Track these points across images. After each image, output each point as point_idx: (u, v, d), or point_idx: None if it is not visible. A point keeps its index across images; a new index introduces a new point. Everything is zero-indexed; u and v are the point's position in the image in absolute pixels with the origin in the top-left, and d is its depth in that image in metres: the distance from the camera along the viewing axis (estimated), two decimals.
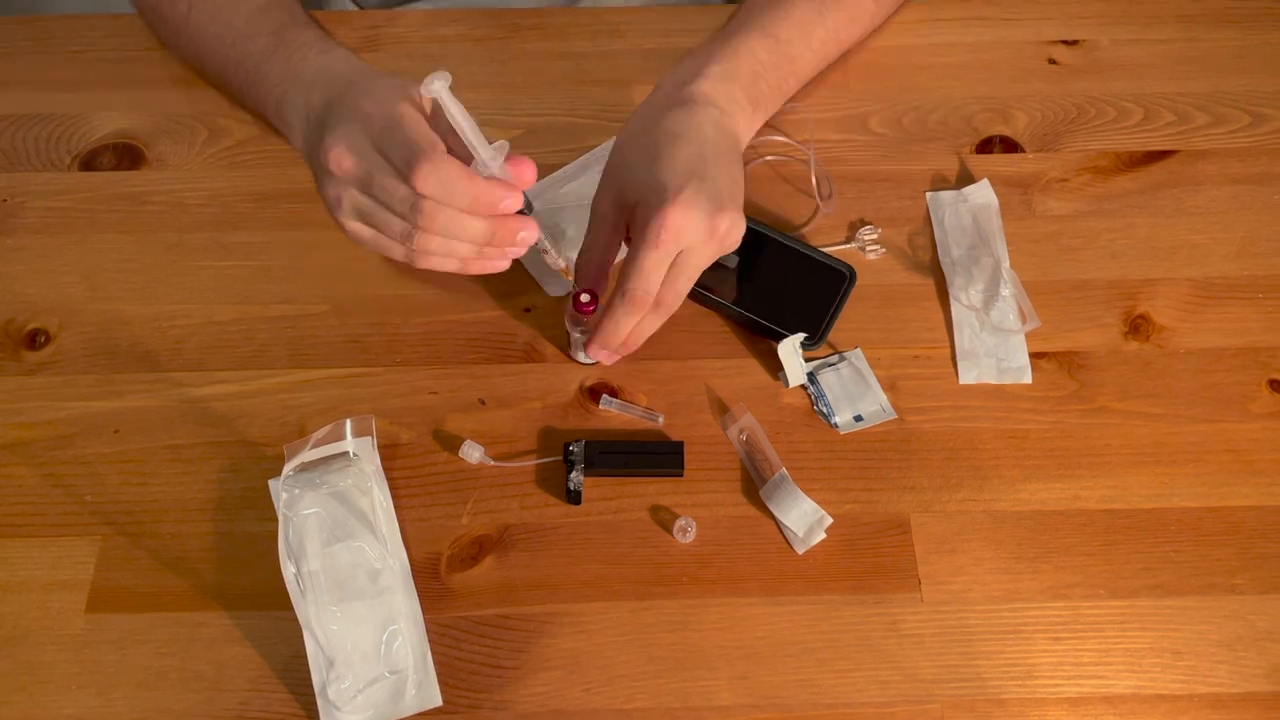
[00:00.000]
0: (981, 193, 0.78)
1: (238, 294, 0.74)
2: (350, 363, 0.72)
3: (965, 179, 0.79)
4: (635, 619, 0.64)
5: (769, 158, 0.80)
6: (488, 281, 0.75)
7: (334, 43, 0.72)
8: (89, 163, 0.80)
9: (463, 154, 0.58)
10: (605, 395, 0.70)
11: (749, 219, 0.75)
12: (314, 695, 0.60)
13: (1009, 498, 0.67)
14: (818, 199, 0.78)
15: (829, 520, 0.65)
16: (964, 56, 0.85)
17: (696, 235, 0.62)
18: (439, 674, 0.62)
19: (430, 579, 0.65)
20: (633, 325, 0.65)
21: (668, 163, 0.63)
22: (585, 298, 0.65)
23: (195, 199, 0.78)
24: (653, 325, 0.67)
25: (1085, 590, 0.65)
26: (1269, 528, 0.66)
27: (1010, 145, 0.81)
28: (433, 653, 0.62)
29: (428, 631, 0.63)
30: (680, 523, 0.66)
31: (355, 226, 0.62)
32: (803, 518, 0.65)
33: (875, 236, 0.76)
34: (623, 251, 0.68)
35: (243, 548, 0.65)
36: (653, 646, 0.63)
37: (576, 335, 0.69)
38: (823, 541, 0.65)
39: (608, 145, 0.80)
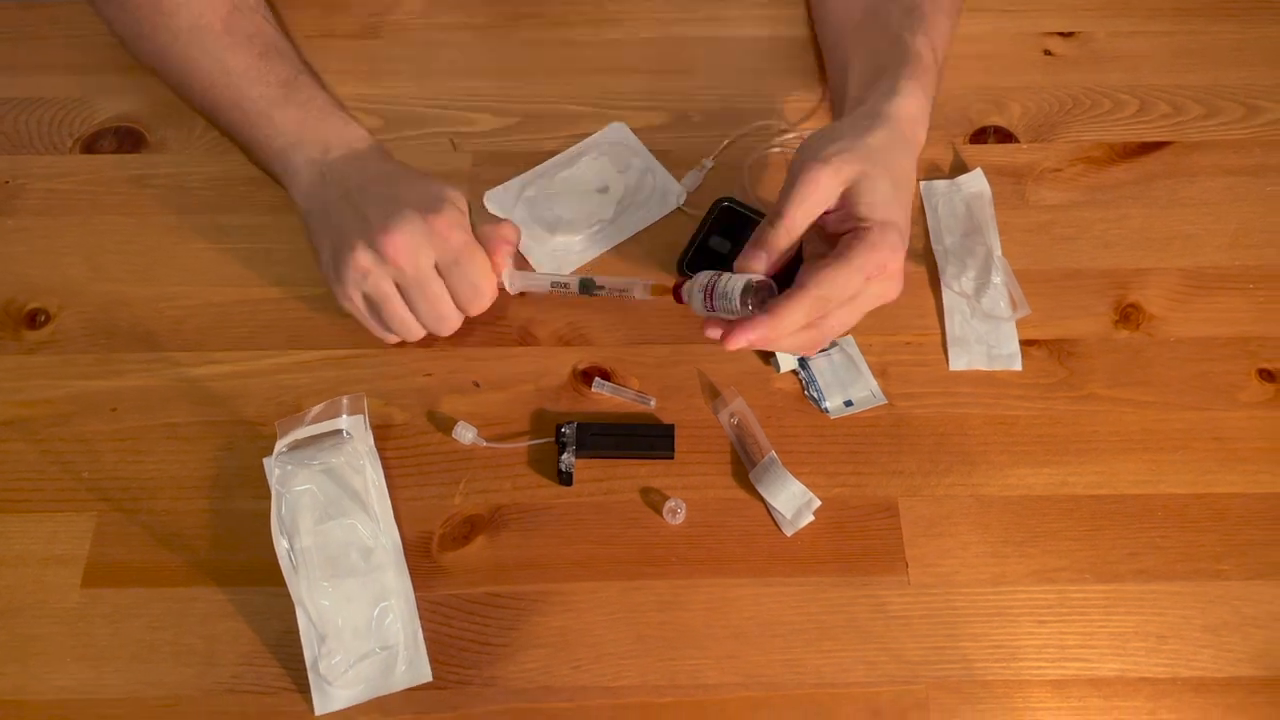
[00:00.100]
0: (975, 181, 0.78)
1: (236, 276, 0.75)
2: (346, 344, 0.73)
3: (959, 168, 0.80)
4: (624, 598, 0.64)
5: (771, 148, 0.81)
6: None
7: (350, 115, 0.73)
8: (90, 146, 0.81)
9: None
10: (597, 378, 0.71)
11: (738, 204, 0.76)
12: (305, 670, 0.61)
13: (997, 483, 0.68)
14: None
15: (817, 503, 0.66)
16: (960, 47, 0.85)
17: (888, 292, 0.62)
18: (429, 650, 0.63)
19: (422, 557, 0.65)
20: (793, 331, 0.61)
21: (903, 209, 0.63)
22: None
23: (195, 182, 0.79)
24: (787, 345, 0.63)
25: (1071, 574, 0.65)
26: (1255, 514, 0.67)
27: (1005, 135, 0.82)
28: (423, 629, 0.63)
29: (419, 608, 0.64)
30: (670, 504, 0.66)
31: (358, 300, 0.67)
32: (791, 500, 0.66)
33: None
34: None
35: (237, 524, 0.66)
36: (641, 625, 0.64)
37: (715, 310, 0.64)
38: (811, 524, 0.66)
39: (603, 133, 0.81)
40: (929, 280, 0.75)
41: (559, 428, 0.68)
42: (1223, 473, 0.68)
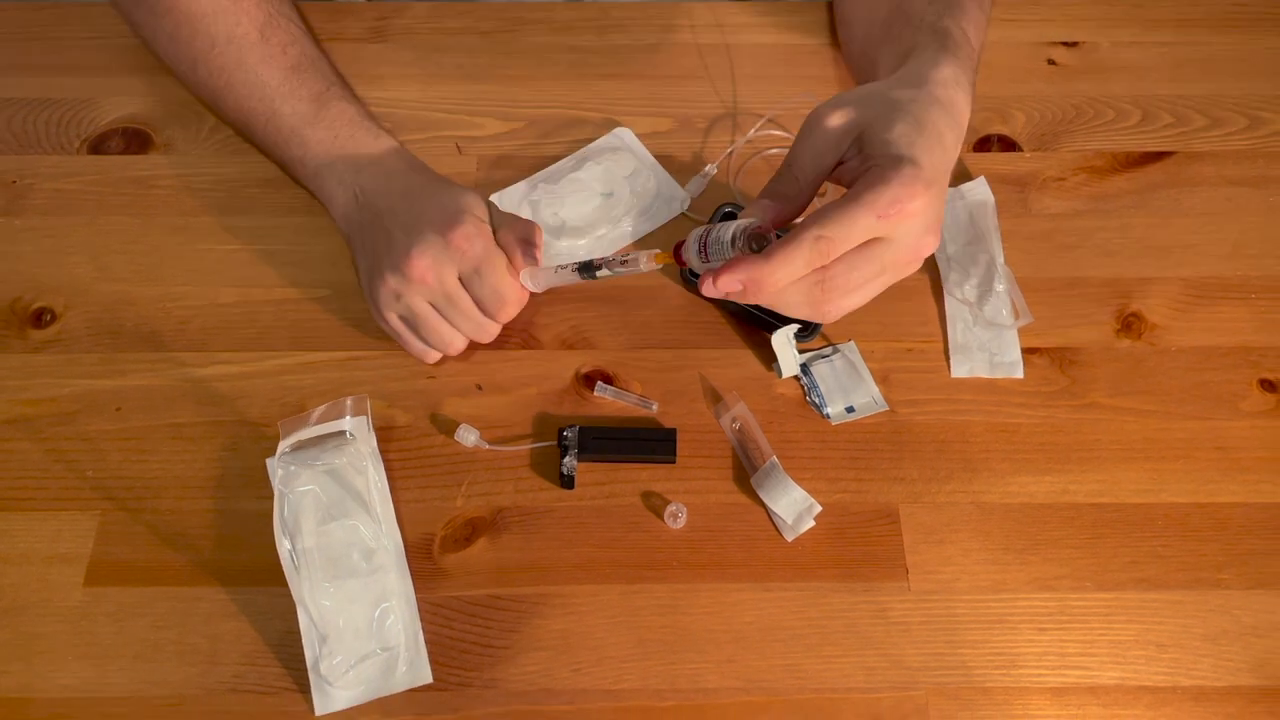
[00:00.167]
0: (978, 190, 0.79)
1: (242, 277, 0.75)
2: (350, 346, 0.73)
3: (962, 177, 0.80)
4: (625, 602, 0.65)
5: (771, 150, 0.81)
6: None
7: (379, 126, 0.74)
8: (98, 146, 0.81)
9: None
10: (600, 382, 0.71)
11: (742, 209, 0.76)
12: (306, 670, 0.61)
13: (998, 490, 0.68)
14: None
15: (818, 508, 0.66)
16: None
17: (910, 233, 0.55)
18: (430, 652, 0.63)
19: (423, 559, 0.66)
20: (792, 277, 0.55)
21: (929, 150, 0.55)
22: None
23: (201, 183, 0.79)
24: (791, 296, 0.57)
25: (1072, 582, 0.65)
26: (1256, 524, 0.67)
27: (1008, 144, 0.82)
28: (424, 631, 0.63)
29: (420, 610, 0.64)
30: (671, 509, 0.67)
31: (395, 321, 0.69)
32: (792, 505, 0.66)
33: None
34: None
35: (240, 525, 0.66)
36: (642, 629, 0.64)
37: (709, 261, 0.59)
38: (812, 530, 0.66)
39: (607, 138, 0.81)
40: (931, 288, 0.75)
41: (561, 431, 0.68)
42: (1224, 482, 0.68)
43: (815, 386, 0.71)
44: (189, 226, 0.78)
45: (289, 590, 0.61)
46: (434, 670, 0.62)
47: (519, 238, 0.68)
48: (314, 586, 0.63)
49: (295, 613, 0.62)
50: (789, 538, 0.66)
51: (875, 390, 0.71)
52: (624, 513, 0.67)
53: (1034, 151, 0.82)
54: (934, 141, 0.56)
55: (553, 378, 0.72)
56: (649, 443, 0.69)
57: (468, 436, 0.69)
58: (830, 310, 0.58)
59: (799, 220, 0.59)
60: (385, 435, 0.69)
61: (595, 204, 0.78)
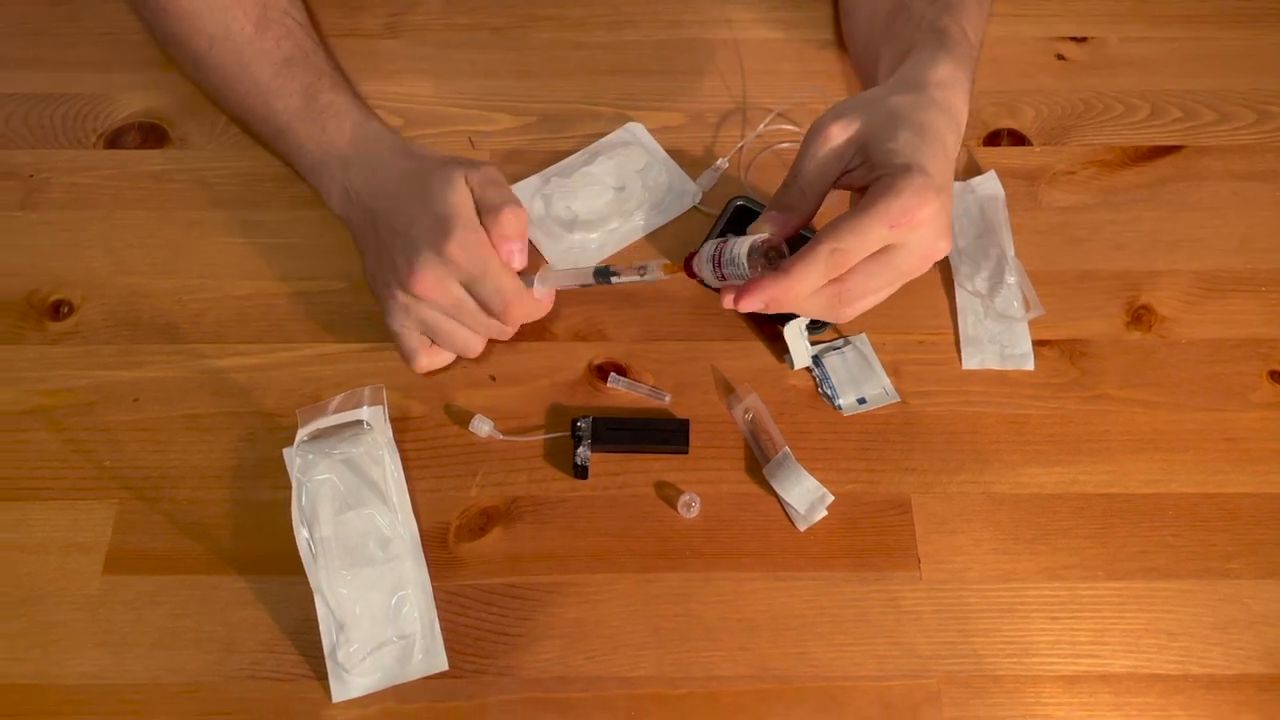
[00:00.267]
0: (988, 184, 0.79)
1: (258, 270, 0.76)
2: (366, 338, 0.73)
3: (973, 170, 0.80)
4: (639, 591, 0.65)
5: (782, 145, 0.82)
6: None
7: (365, 110, 0.74)
8: (114, 141, 0.82)
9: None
10: (613, 374, 0.72)
11: (753, 203, 0.76)
12: (323, 657, 0.62)
13: (1009, 481, 0.69)
14: None
15: (830, 498, 0.66)
16: None
17: (923, 239, 0.56)
18: (446, 640, 0.63)
19: (439, 548, 0.66)
20: (809, 290, 0.57)
21: (933, 156, 0.57)
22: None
23: (217, 177, 0.80)
24: (809, 305, 0.59)
25: (1082, 572, 0.66)
26: (1265, 514, 0.67)
27: (1018, 138, 0.82)
28: (440, 619, 0.64)
29: (435, 598, 0.64)
30: (685, 498, 0.67)
31: (409, 334, 0.68)
32: (805, 495, 0.66)
33: None
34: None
35: (256, 514, 0.67)
36: (656, 618, 0.64)
37: (725, 275, 0.61)
38: (824, 519, 0.66)
39: (619, 133, 0.82)
40: (941, 280, 0.76)
41: (574, 422, 0.69)
42: (1234, 473, 0.69)
43: (827, 378, 0.71)
44: (205, 220, 0.78)
45: (306, 578, 0.62)
46: (450, 658, 0.63)
47: (500, 236, 0.65)
48: (331, 575, 0.63)
49: (312, 601, 0.62)
50: (801, 527, 0.67)
51: (887, 381, 0.71)
52: (637, 503, 0.68)
53: (1043, 146, 0.82)
54: (938, 147, 0.57)
55: (566, 369, 0.72)
56: (662, 433, 0.69)
57: (482, 427, 0.69)
58: (846, 313, 0.59)
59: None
60: (401, 426, 0.70)
61: (607, 198, 0.78)
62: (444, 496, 0.68)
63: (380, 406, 0.67)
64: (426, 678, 0.62)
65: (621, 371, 0.72)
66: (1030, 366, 0.72)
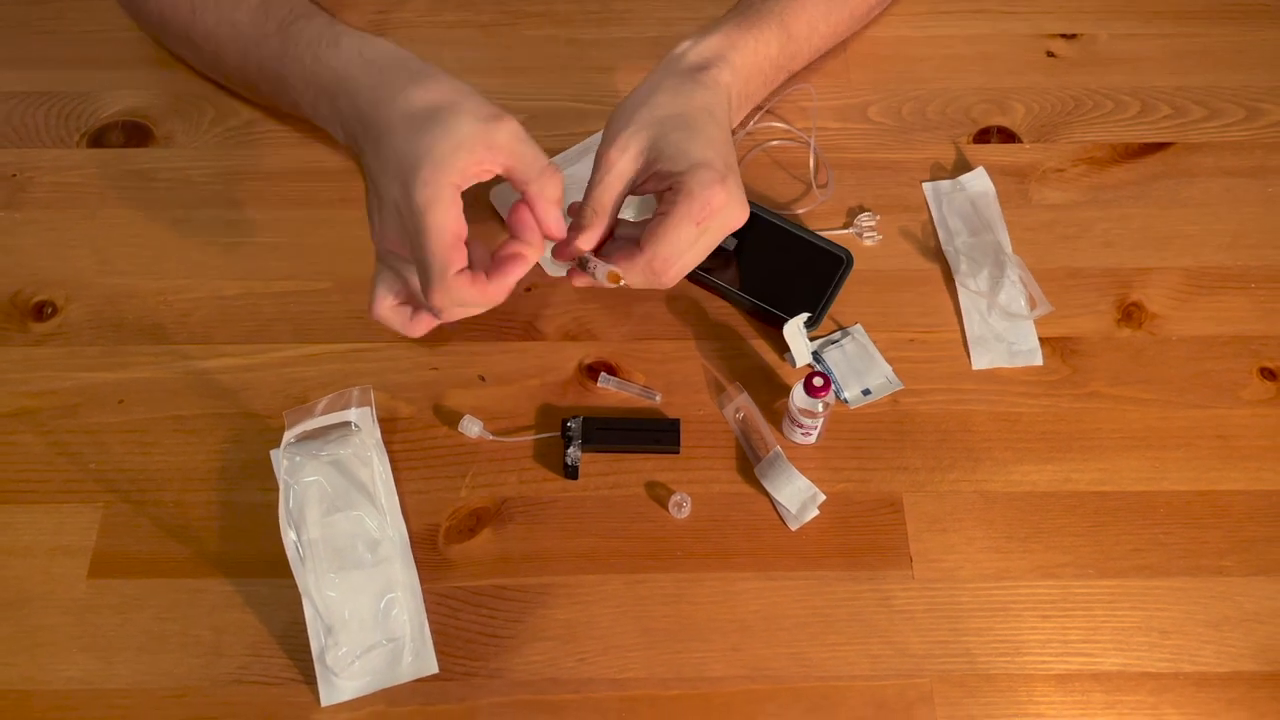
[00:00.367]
0: (978, 180, 0.79)
1: (243, 269, 0.75)
2: (353, 338, 0.73)
3: (962, 168, 0.80)
4: (630, 591, 0.65)
5: (772, 142, 0.81)
6: None
7: (339, 28, 0.69)
8: (98, 140, 0.81)
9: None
10: (603, 373, 0.71)
11: (750, 201, 0.76)
12: (312, 661, 0.61)
13: (1001, 479, 0.68)
14: (814, 186, 0.79)
15: (822, 498, 0.66)
16: (963, 48, 0.86)
17: (730, 220, 0.65)
18: (436, 642, 0.63)
19: (428, 549, 0.66)
20: (638, 286, 0.66)
21: (709, 143, 0.65)
22: (819, 381, 0.63)
23: (202, 176, 0.79)
24: (641, 284, 0.67)
25: (1075, 570, 0.66)
26: (1257, 511, 0.67)
27: (1008, 135, 0.82)
28: (430, 622, 0.63)
29: (425, 601, 0.64)
30: (676, 498, 0.67)
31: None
32: (796, 495, 0.66)
33: (873, 223, 0.77)
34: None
35: (243, 516, 0.66)
36: (647, 619, 0.64)
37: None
38: (816, 519, 0.66)
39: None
40: (932, 278, 0.76)
41: (565, 422, 0.68)
42: (1225, 470, 0.69)
43: (830, 373, 0.71)
44: (190, 219, 0.77)
45: (294, 581, 0.61)
46: (440, 660, 0.62)
47: (541, 198, 0.62)
48: (319, 577, 0.63)
49: (300, 604, 0.62)
50: (793, 527, 0.66)
51: (888, 369, 0.71)
52: (628, 503, 0.67)
53: (1034, 143, 0.82)
54: (710, 132, 0.66)
55: (556, 369, 0.72)
56: (653, 433, 0.69)
57: (471, 428, 0.69)
58: (666, 282, 0.66)
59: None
60: (389, 427, 0.69)
61: None
62: (433, 498, 0.67)
63: (368, 407, 0.67)
64: (416, 680, 0.62)
65: (612, 371, 0.72)
66: (1039, 362, 0.72)
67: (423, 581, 0.64)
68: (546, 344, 0.73)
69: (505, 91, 0.84)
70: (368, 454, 0.66)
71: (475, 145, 0.58)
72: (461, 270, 0.59)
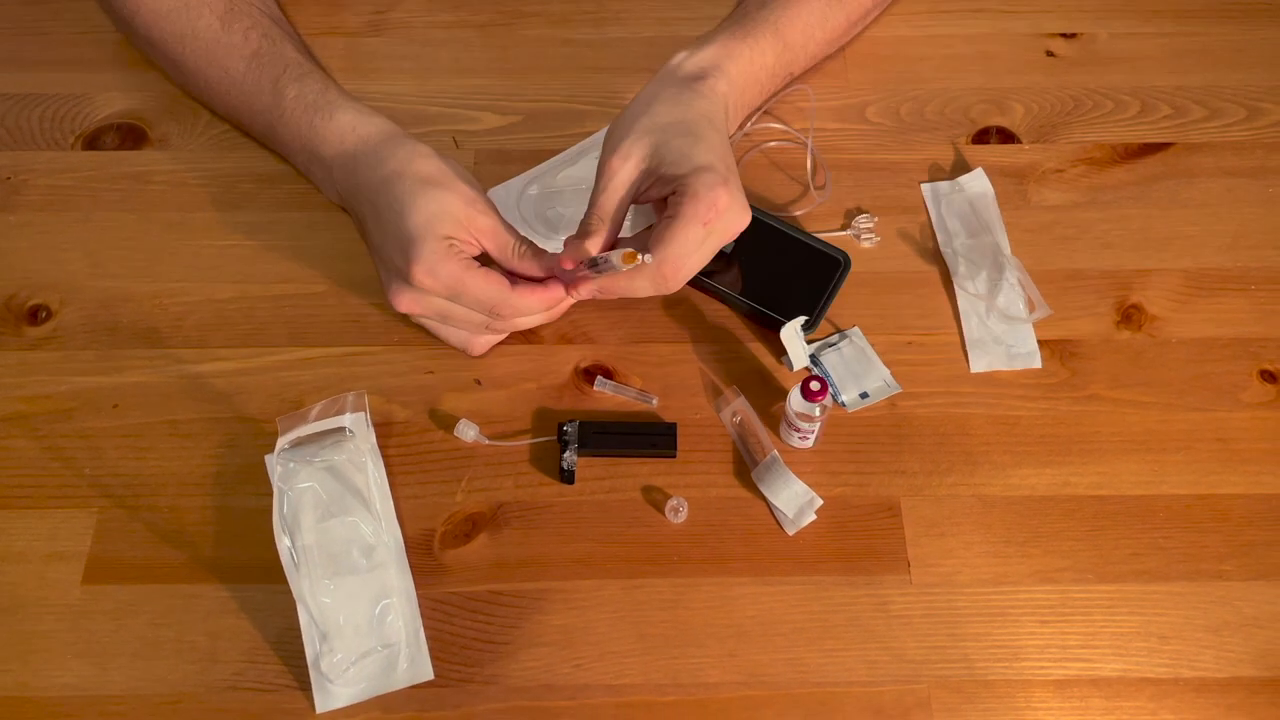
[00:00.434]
0: (976, 181, 0.78)
1: (238, 273, 0.75)
2: (348, 342, 0.73)
3: (961, 169, 0.80)
4: (626, 597, 0.64)
5: (770, 143, 0.81)
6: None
7: (333, 97, 0.72)
8: (92, 142, 0.81)
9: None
10: (600, 377, 0.71)
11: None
12: (307, 667, 0.61)
13: (999, 483, 0.68)
14: (812, 188, 0.79)
15: (819, 502, 0.66)
16: (962, 48, 0.86)
17: (734, 223, 0.65)
18: (431, 648, 0.63)
19: (424, 555, 0.65)
20: (645, 294, 0.66)
21: (710, 149, 0.65)
22: (816, 385, 0.63)
23: (197, 179, 0.79)
24: (648, 291, 0.66)
25: (1073, 575, 0.65)
26: (1257, 515, 0.67)
27: (1007, 136, 0.82)
28: (425, 627, 0.63)
29: (420, 606, 0.64)
30: (672, 503, 0.66)
31: (424, 314, 0.68)
32: (793, 499, 0.66)
33: (871, 225, 0.77)
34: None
35: (239, 521, 0.66)
36: (643, 624, 0.64)
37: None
38: (813, 523, 0.66)
39: (605, 131, 0.81)
40: (931, 280, 0.75)
41: (561, 426, 0.68)
42: (1225, 473, 0.68)
43: (827, 376, 0.70)
44: (185, 222, 0.77)
45: (288, 587, 0.61)
46: (435, 666, 0.62)
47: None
48: (314, 583, 0.62)
49: (295, 610, 0.62)
50: (790, 531, 0.66)
51: (886, 372, 0.71)
52: (625, 507, 0.67)
53: (1033, 143, 0.81)
54: (710, 138, 0.66)
55: (552, 372, 0.72)
56: (649, 437, 0.69)
57: (467, 432, 0.68)
58: (672, 286, 0.65)
59: None
60: (384, 431, 0.69)
61: None
62: (428, 503, 0.67)
63: (363, 412, 0.66)
64: (411, 687, 0.62)
65: (608, 374, 0.71)
66: (1038, 364, 0.72)
67: (418, 587, 0.64)
68: (543, 347, 0.73)
69: (502, 93, 0.84)
70: (362, 459, 0.66)
71: (459, 229, 0.65)
72: (515, 284, 0.66)
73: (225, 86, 0.75)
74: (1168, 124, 0.82)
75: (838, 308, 0.73)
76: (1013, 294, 0.74)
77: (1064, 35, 0.87)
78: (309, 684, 0.61)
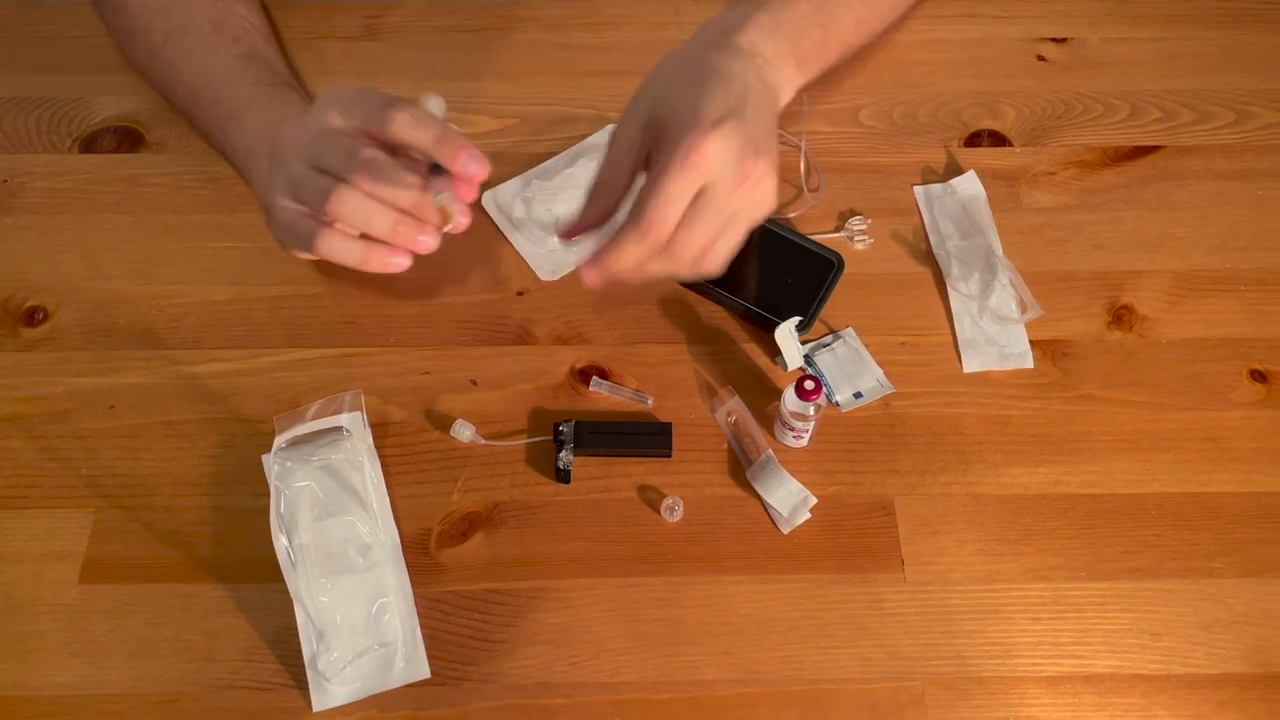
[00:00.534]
0: (968, 184, 0.79)
1: (235, 274, 0.75)
2: (345, 343, 0.73)
3: (953, 171, 0.80)
4: (622, 595, 0.65)
5: None
6: (481, 265, 0.76)
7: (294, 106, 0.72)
8: (89, 145, 0.81)
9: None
10: (595, 377, 0.71)
11: None
12: (304, 666, 0.61)
13: (992, 482, 0.68)
14: (806, 190, 0.79)
15: (814, 501, 0.66)
16: (955, 52, 0.87)
17: (725, 169, 0.57)
18: (427, 647, 0.63)
19: (420, 554, 0.66)
20: (639, 258, 0.59)
21: (708, 94, 0.58)
22: (810, 384, 0.63)
23: (193, 181, 0.79)
24: (658, 268, 0.60)
25: (1066, 572, 0.66)
26: (1247, 513, 0.67)
27: (998, 139, 0.82)
28: (421, 626, 0.63)
29: (417, 605, 0.64)
30: (668, 502, 0.67)
31: (289, 204, 0.63)
32: (788, 498, 0.66)
33: (864, 226, 0.78)
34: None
35: (235, 521, 0.66)
36: (639, 622, 0.64)
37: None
38: (808, 522, 0.66)
39: (602, 134, 0.81)
40: (924, 281, 0.76)
41: (557, 426, 0.68)
42: (1215, 472, 0.69)
43: (821, 376, 0.71)
44: (181, 224, 0.77)
45: (285, 586, 0.61)
46: (432, 665, 0.62)
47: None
48: (311, 582, 0.63)
49: (291, 609, 0.62)
50: (785, 530, 0.66)
51: (879, 373, 0.71)
52: (620, 506, 0.67)
53: (1024, 146, 0.82)
54: (712, 91, 0.59)
55: (548, 373, 0.72)
56: (645, 437, 0.69)
57: (463, 432, 0.69)
58: (707, 266, 0.60)
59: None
60: (380, 431, 0.69)
61: None
62: (425, 502, 0.67)
63: (359, 412, 0.67)
64: (408, 685, 0.62)
65: (604, 375, 0.72)
66: (1030, 364, 0.72)
67: (414, 586, 0.64)
68: (538, 348, 0.73)
69: (498, 96, 0.84)
70: (359, 459, 0.66)
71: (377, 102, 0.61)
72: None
73: (194, 77, 0.74)
74: (1158, 127, 0.83)
75: (831, 309, 0.74)
76: (1005, 295, 0.74)
77: (1055, 40, 0.88)
78: (306, 683, 0.61)
